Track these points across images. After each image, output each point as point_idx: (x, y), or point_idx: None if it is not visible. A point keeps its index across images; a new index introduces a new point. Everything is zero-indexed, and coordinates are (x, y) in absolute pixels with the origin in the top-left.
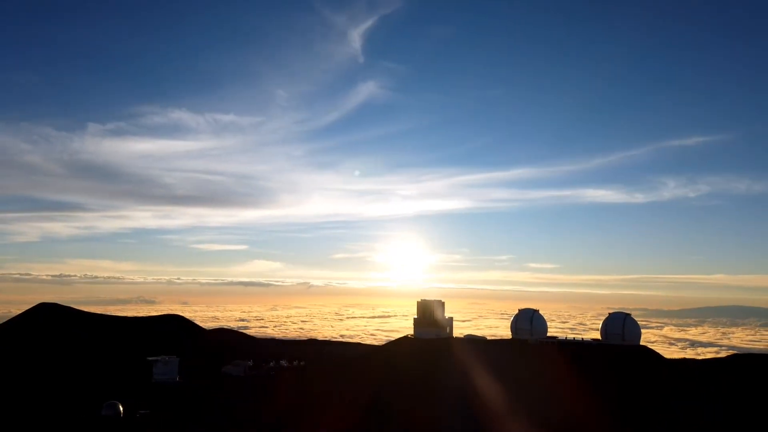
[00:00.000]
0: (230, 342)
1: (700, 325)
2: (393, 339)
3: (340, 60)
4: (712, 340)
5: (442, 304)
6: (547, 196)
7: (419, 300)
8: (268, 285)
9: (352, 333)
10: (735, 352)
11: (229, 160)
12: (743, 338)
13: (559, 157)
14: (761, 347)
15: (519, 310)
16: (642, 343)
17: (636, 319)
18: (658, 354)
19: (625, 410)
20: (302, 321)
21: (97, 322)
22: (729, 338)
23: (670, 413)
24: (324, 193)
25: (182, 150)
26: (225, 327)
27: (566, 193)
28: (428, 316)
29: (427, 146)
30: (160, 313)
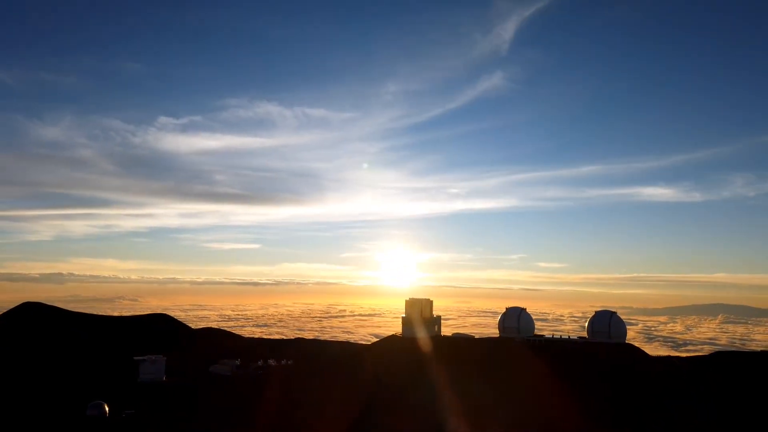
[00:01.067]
0: (217, 341)
1: (672, 323)
2: (381, 338)
3: (453, 62)
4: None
5: (431, 302)
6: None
7: (407, 299)
8: (265, 284)
9: (341, 332)
10: (717, 349)
11: (293, 156)
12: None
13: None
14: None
15: (506, 308)
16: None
17: (622, 317)
18: (643, 351)
19: (610, 409)
20: (293, 319)
21: (83, 321)
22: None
23: (662, 412)
24: (373, 192)
25: (249, 146)
26: (213, 327)
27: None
28: (416, 315)
29: (497, 144)
30: (145, 313)
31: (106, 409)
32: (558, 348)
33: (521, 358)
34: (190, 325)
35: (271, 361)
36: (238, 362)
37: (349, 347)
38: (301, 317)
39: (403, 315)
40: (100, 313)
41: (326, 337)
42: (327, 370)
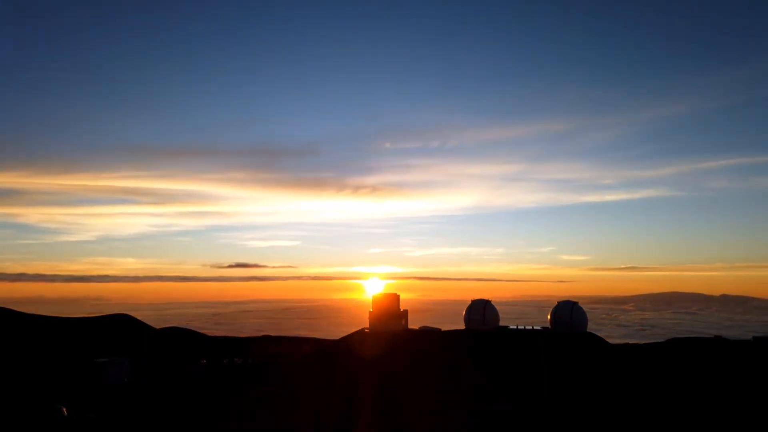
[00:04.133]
0: (182, 341)
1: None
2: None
3: None
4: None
5: (398, 297)
6: None
7: (374, 294)
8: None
9: (316, 328)
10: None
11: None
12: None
13: None
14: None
15: (472, 300)
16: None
17: (583, 307)
18: (602, 339)
19: (570, 398)
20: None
21: (39, 323)
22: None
23: (617, 398)
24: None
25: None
26: (177, 326)
27: None
28: (383, 309)
29: None
30: (107, 314)
31: (66, 413)
32: (518, 338)
33: (480, 349)
34: (153, 325)
35: (237, 360)
36: (203, 362)
37: (314, 343)
38: (279, 314)
39: (370, 310)
40: (59, 315)
41: (296, 333)
42: (296, 367)
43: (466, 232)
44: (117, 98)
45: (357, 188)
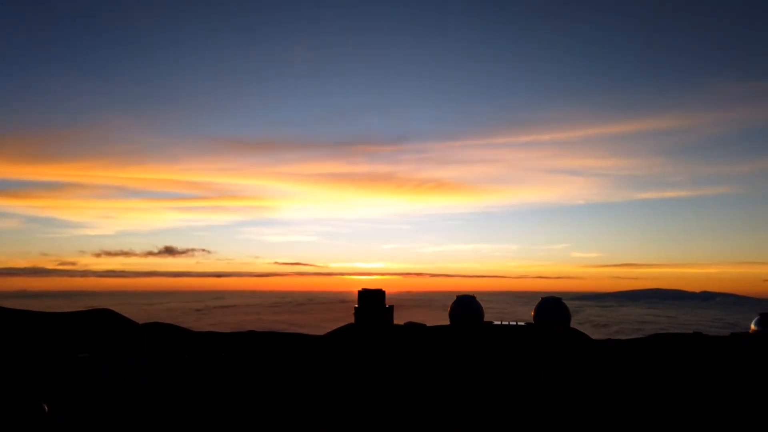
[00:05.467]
0: (165, 336)
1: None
2: (334, 330)
3: None
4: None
5: (383, 293)
6: None
7: (360, 290)
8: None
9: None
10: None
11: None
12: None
13: None
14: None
15: (457, 296)
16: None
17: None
18: (585, 335)
19: (554, 394)
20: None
21: (17, 318)
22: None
23: (598, 393)
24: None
25: None
26: (159, 321)
27: None
28: (369, 305)
29: None
30: (88, 308)
31: (46, 409)
32: (502, 334)
33: (465, 346)
34: (135, 320)
35: (224, 354)
36: (187, 356)
37: (301, 339)
38: (264, 309)
39: (356, 306)
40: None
41: (284, 329)
42: (279, 363)
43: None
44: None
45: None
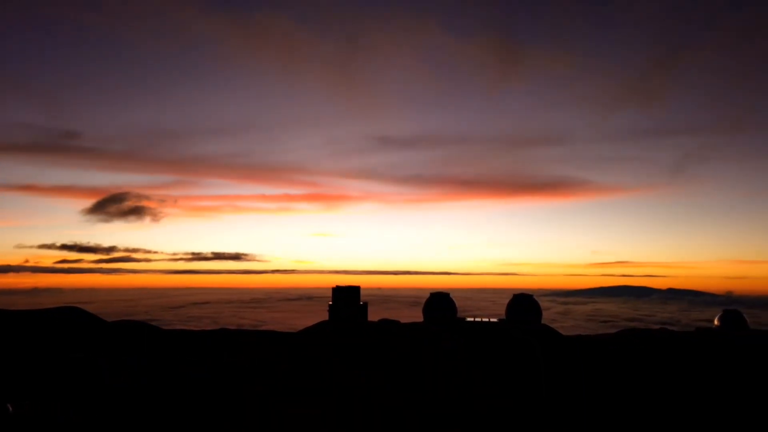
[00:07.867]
0: (134, 335)
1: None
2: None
3: None
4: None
5: (358, 289)
6: None
7: (334, 287)
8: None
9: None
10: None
11: None
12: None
13: None
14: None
15: (431, 293)
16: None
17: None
18: (556, 331)
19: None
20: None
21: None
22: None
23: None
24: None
25: None
26: (130, 320)
27: None
28: (342, 302)
29: None
30: (55, 306)
31: (10, 409)
32: (474, 331)
33: (434, 343)
34: (104, 318)
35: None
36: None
37: (271, 336)
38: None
39: (330, 303)
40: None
41: (257, 326)
42: (258, 361)
43: None
44: None
45: None
